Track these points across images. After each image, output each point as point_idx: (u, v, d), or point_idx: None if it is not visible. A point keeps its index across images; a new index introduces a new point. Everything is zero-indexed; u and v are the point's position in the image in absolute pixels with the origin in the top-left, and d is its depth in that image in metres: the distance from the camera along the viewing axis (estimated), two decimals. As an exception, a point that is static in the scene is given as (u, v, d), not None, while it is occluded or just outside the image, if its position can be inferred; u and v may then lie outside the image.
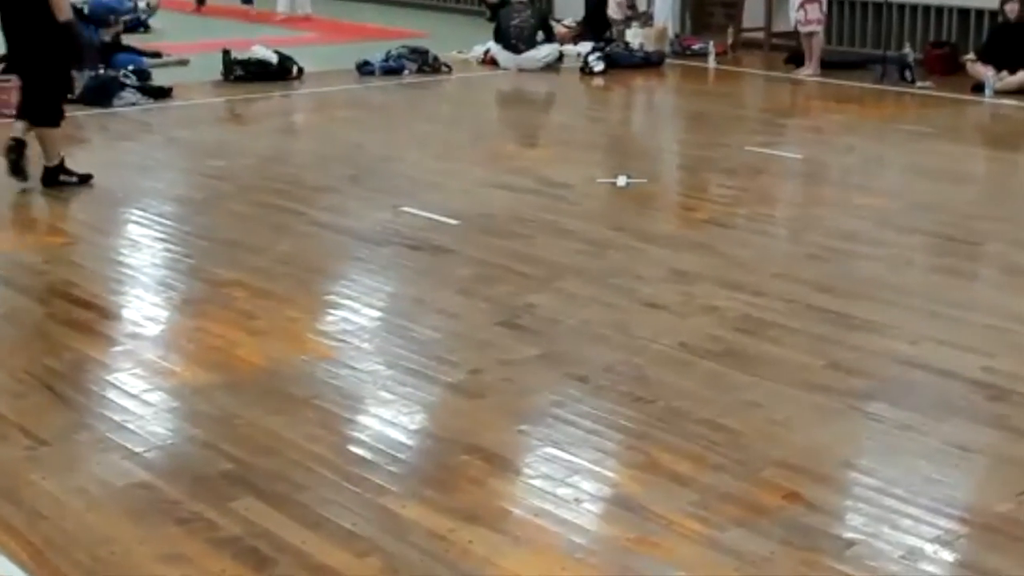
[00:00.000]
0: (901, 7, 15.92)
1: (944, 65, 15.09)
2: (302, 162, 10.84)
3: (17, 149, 9.27)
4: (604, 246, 7.99)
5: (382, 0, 22.34)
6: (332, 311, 6.81)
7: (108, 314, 6.83)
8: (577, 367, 5.89)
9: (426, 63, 15.60)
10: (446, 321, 6.61)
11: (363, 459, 4.96)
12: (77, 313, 6.75)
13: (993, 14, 14.90)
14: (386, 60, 15.50)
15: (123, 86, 13.25)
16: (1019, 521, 4.43)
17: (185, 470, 4.89)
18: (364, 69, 15.36)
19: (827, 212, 9.06)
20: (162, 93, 13.58)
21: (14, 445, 5.09)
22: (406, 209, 8.83)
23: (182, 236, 8.28)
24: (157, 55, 15.69)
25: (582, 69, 15.69)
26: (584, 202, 9.27)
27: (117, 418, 5.34)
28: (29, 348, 6.28)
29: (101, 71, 13.27)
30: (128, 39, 16.04)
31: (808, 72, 15.30)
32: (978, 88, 13.88)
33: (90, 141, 11.27)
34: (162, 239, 8.21)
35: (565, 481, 4.75)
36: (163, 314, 6.90)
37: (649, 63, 16.19)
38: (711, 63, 16.33)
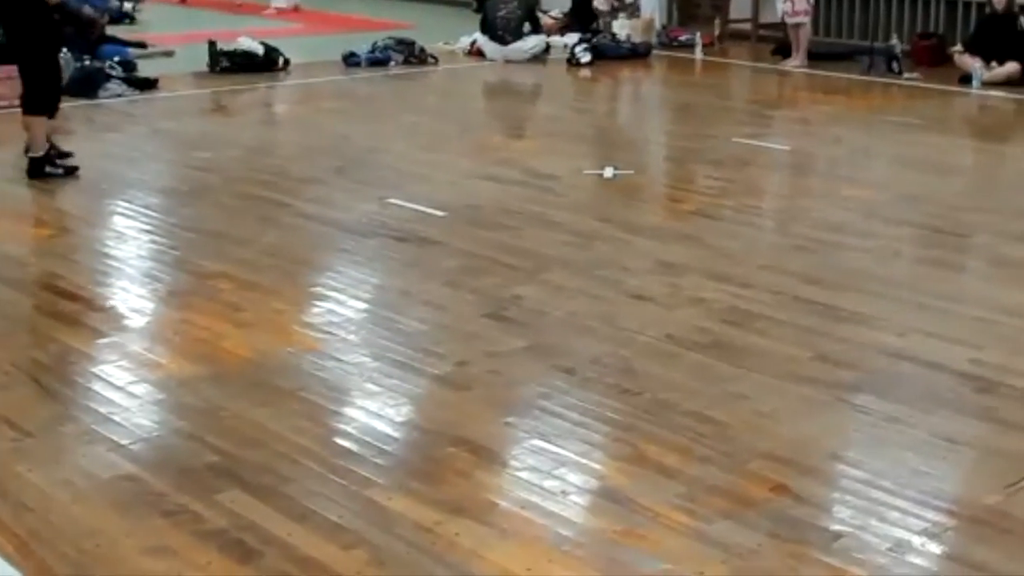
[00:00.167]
0: (888, -2, 15.95)
1: (931, 56, 15.10)
2: (288, 154, 10.81)
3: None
4: (591, 238, 7.98)
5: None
6: (318, 303, 6.79)
7: (94, 306, 6.80)
8: (564, 359, 5.88)
9: (412, 54, 15.57)
10: (432, 313, 6.59)
11: (349, 451, 4.94)
12: (63, 305, 6.73)
13: (980, 5, 14.93)
14: (372, 51, 15.47)
15: (109, 77, 13.21)
16: (1007, 513, 4.43)
17: (171, 462, 4.87)
18: (350, 60, 15.33)
19: (814, 204, 9.06)
20: (148, 84, 13.54)
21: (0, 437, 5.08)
22: (392, 201, 8.81)
23: (168, 228, 8.25)
24: (142, 46, 15.65)
25: (569, 60, 15.68)
26: (571, 193, 9.26)
27: (103, 410, 5.32)
28: (14, 340, 6.25)
29: (87, 62, 13.23)
30: (113, 30, 15.99)
31: (795, 63, 15.29)
32: (965, 79, 13.89)
33: (75, 132, 11.21)
34: (148, 231, 8.18)
35: (552, 473, 4.74)
36: (149, 306, 6.87)
37: (636, 54, 16.19)
38: (698, 54, 16.33)
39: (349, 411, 5.41)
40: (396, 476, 4.76)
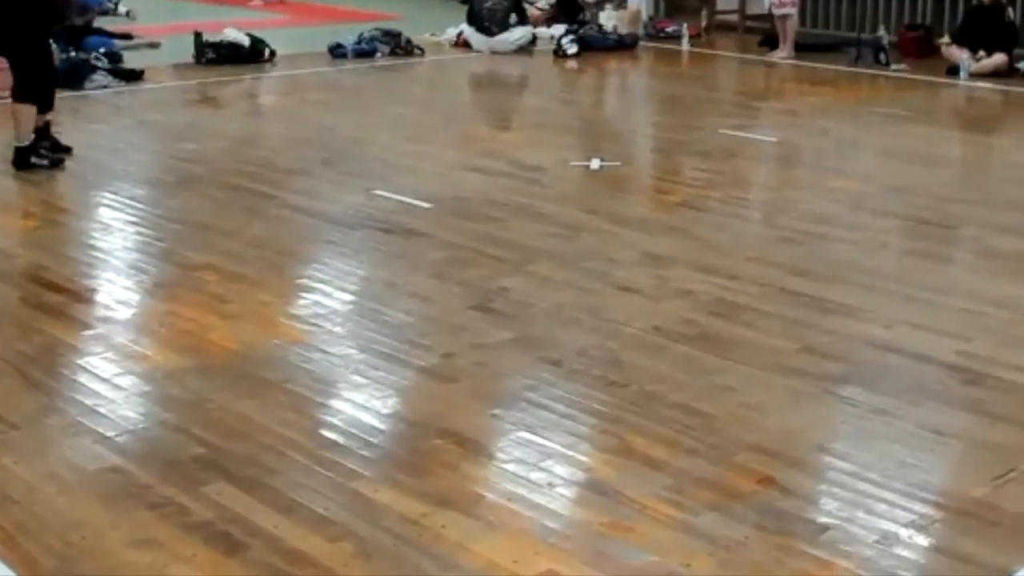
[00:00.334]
0: (875, -10, 15.96)
1: (919, 48, 15.13)
2: (274, 145, 10.79)
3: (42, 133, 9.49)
4: (577, 229, 7.97)
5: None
6: (304, 295, 6.77)
7: (79, 298, 6.78)
8: (550, 351, 5.87)
9: (399, 46, 15.57)
10: (419, 305, 6.58)
11: (335, 443, 4.93)
12: (48, 297, 6.70)
13: (967, -3, 14.95)
14: (358, 43, 15.46)
15: (94, 69, 13.20)
16: (994, 506, 4.42)
17: (156, 454, 4.85)
18: (336, 52, 15.32)
19: (801, 195, 9.06)
20: (134, 76, 13.53)
21: (-17, 430, 5.06)
22: (379, 192, 8.80)
23: (154, 219, 8.23)
24: (128, 37, 15.60)
25: (555, 52, 15.68)
26: (557, 185, 9.25)
27: (88, 402, 5.30)
28: (-1, 332, 6.24)
29: (72, 53, 13.19)
30: (99, 21, 15.93)
31: (782, 55, 15.31)
32: (953, 71, 13.91)
33: (61, 124, 11.16)
34: (134, 222, 8.16)
35: (538, 465, 4.73)
36: (135, 298, 6.85)
37: (623, 46, 16.19)
38: (685, 46, 16.34)
39: (335, 403, 5.39)
40: (382, 468, 4.75)
